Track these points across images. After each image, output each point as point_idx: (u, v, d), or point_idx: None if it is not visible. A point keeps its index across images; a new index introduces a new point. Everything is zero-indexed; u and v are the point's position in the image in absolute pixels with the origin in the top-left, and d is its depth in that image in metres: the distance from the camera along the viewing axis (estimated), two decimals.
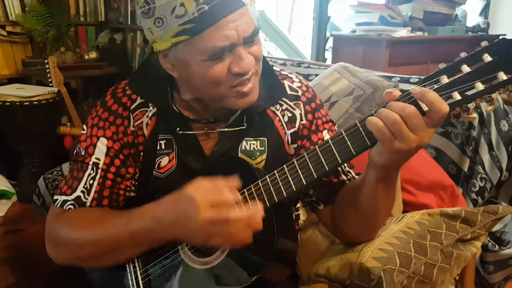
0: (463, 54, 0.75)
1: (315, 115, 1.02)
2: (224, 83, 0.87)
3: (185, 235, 0.84)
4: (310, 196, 1.03)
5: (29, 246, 2.27)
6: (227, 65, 0.85)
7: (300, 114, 1.02)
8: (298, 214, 1.16)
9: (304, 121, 1.02)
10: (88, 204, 0.96)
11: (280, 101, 1.01)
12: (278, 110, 1.01)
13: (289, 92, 1.02)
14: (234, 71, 0.85)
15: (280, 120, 1.01)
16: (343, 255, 1.00)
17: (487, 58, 0.73)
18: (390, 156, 0.79)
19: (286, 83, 1.03)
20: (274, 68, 1.04)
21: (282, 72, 1.05)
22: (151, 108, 0.99)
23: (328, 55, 3.96)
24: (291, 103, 1.02)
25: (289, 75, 1.05)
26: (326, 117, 1.04)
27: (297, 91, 1.03)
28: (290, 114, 1.01)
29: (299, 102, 1.02)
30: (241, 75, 0.86)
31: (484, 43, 0.74)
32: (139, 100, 0.99)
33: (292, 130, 1.02)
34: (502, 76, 0.72)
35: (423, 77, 0.78)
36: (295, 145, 1.02)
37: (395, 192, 0.94)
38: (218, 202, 0.79)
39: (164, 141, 0.99)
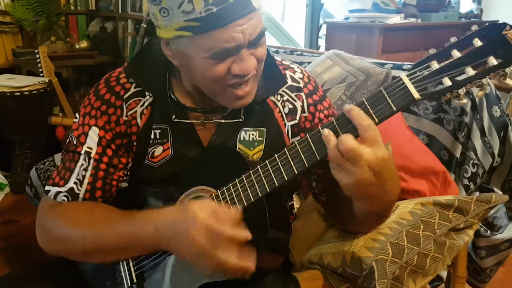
0: (453, 39, 0.74)
1: (317, 108, 1.01)
2: (222, 82, 0.86)
3: (176, 250, 0.82)
4: (313, 188, 1.03)
5: (23, 237, 2.27)
6: (228, 65, 0.83)
7: (302, 106, 1.00)
8: (293, 204, 1.16)
9: (306, 114, 1.00)
10: (81, 196, 0.95)
11: (281, 92, 1.00)
12: (278, 101, 1.00)
13: (290, 82, 1.00)
14: (235, 72, 0.83)
15: (280, 111, 1.00)
16: (336, 243, 1.01)
17: (477, 42, 0.72)
18: (355, 188, 0.77)
19: (288, 73, 1.01)
20: (275, 58, 1.02)
21: (283, 62, 1.03)
22: (147, 97, 0.97)
23: (322, 42, 3.95)
24: (292, 95, 1.00)
25: (291, 66, 1.03)
26: (328, 110, 1.03)
27: (299, 82, 1.01)
28: (290, 106, 1.00)
29: (301, 93, 1.00)
30: (240, 77, 0.85)
31: (474, 28, 0.73)
32: (133, 89, 0.97)
33: (292, 122, 1.00)
34: (492, 61, 0.71)
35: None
36: (298, 138, 0.99)
37: (389, 212, 0.94)
38: (214, 232, 0.76)
39: (159, 131, 0.97)
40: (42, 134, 2.83)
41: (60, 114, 2.76)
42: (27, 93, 2.62)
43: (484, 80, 0.72)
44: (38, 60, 2.73)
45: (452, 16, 3.73)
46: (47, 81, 2.72)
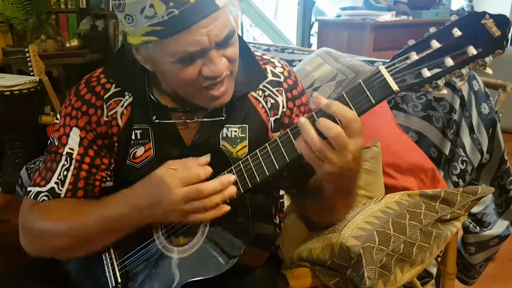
0: (432, 29, 0.73)
1: (295, 103, 1.01)
2: (195, 84, 0.85)
3: (162, 217, 0.85)
4: (284, 182, 1.04)
5: (14, 236, 2.24)
6: (198, 68, 0.82)
7: (282, 101, 1.00)
8: (283, 202, 1.16)
9: (285, 109, 1.01)
10: (62, 195, 0.94)
11: (262, 87, 1.00)
12: (260, 96, 1.00)
13: (270, 77, 1.00)
14: (205, 74, 0.83)
15: (263, 107, 1.00)
16: (325, 236, 1.01)
17: (457, 32, 0.71)
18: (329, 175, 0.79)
19: (269, 68, 1.01)
20: (256, 53, 1.02)
21: (264, 56, 1.03)
22: (127, 97, 0.96)
23: (314, 40, 3.96)
24: (274, 90, 1.00)
25: (271, 60, 1.03)
26: (306, 106, 1.03)
27: (279, 77, 1.01)
28: (273, 101, 1.00)
29: (281, 88, 1.00)
30: (212, 79, 0.84)
31: (454, 17, 0.72)
32: (113, 89, 0.96)
33: (274, 117, 1.00)
34: (472, 50, 0.70)
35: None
36: (279, 133, 1.00)
37: (353, 199, 0.96)
38: (188, 179, 0.80)
39: (140, 131, 0.97)
40: (33, 134, 2.81)
41: (51, 113, 2.73)
42: (17, 92, 2.59)
43: (463, 70, 0.71)
44: (28, 59, 2.70)
45: (443, 13, 3.74)
46: (37, 80, 2.69)
